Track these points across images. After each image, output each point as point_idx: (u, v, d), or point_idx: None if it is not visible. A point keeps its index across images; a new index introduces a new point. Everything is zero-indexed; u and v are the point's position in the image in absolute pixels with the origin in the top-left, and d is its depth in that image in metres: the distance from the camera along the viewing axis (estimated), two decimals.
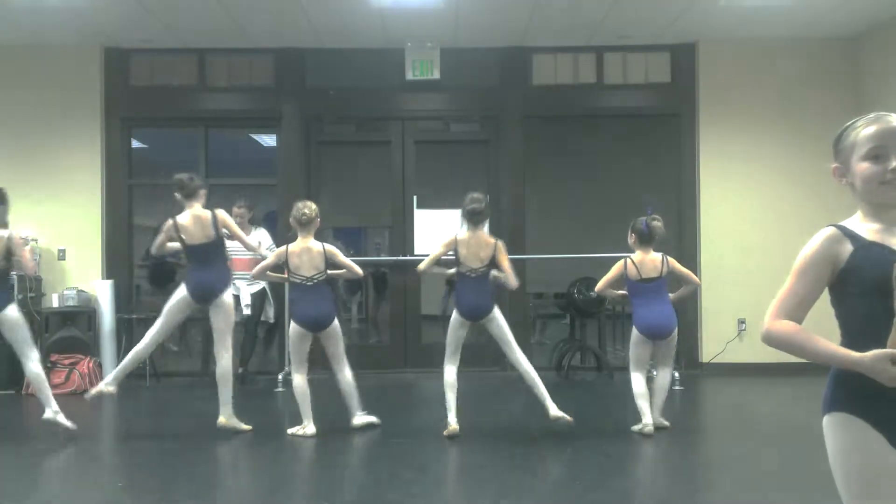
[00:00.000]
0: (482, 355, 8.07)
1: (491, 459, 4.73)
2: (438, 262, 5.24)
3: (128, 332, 7.71)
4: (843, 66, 7.77)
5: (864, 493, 1.75)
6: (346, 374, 5.28)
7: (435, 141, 8.28)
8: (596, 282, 7.52)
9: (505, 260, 5.12)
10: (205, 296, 5.26)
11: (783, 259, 1.90)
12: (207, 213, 5.28)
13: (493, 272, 5.16)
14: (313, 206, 5.25)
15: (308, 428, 5.17)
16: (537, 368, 7.65)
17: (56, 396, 5.54)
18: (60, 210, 7.59)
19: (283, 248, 5.22)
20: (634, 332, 5.26)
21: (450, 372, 5.15)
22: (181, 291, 5.30)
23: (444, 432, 5.02)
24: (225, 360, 5.31)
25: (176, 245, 5.44)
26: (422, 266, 5.22)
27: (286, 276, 5.23)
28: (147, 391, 7.19)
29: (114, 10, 6.80)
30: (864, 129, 1.80)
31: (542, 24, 7.22)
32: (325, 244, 5.24)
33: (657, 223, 5.18)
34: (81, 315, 7.41)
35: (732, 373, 7.52)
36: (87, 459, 4.95)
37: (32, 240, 7.40)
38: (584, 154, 8.23)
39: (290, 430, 5.24)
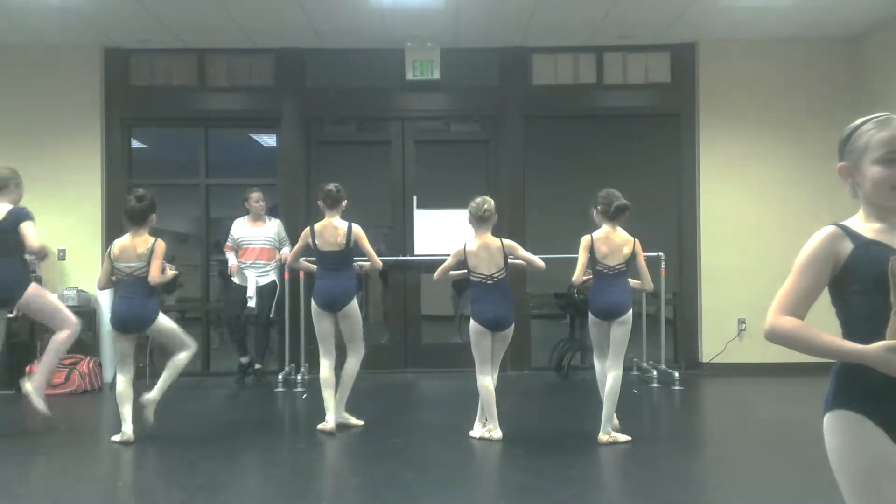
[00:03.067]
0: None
1: (491, 460, 4.74)
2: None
3: None
4: (843, 66, 7.77)
5: (866, 489, 1.75)
6: (493, 379, 5.14)
7: (435, 141, 8.28)
8: None
9: (642, 260, 5.08)
10: (333, 303, 5.31)
11: (783, 259, 1.90)
12: (343, 224, 5.37)
13: (633, 282, 5.13)
14: (492, 201, 5.13)
15: (494, 432, 4.99)
16: (537, 368, 7.78)
17: (55, 396, 5.57)
18: (60, 210, 7.59)
19: (462, 246, 5.13)
20: None
21: (608, 376, 4.96)
22: (312, 306, 5.37)
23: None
24: (354, 361, 5.40)
25: (311, 267, 5.63)
26: (577, 277, 5.04)
27: (467, 272, 5.13)
28: (147, 391, 7.16)
29: (114, 10, 6.80)
30: (879, 133, 1.80)
31: (542, 24, 7.22)
32: (503, 239, 5.13)
33: None
34: (81, 315, 7.35)
35: (732, 373, 7.52)
36: (87, 459, 4.95)
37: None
38: (584, 154, 8.24)
39: (473, 433, 5.10)
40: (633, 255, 5.03)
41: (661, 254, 7.29)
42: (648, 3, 6.80)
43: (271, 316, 7.42)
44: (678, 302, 8.00)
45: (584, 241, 5.04)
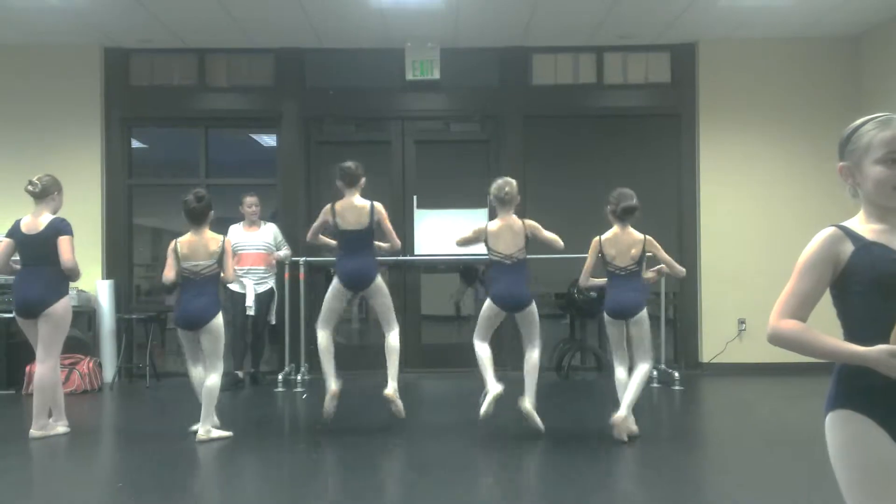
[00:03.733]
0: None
1: (491, 460, 4.74)
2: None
3: (128, 332, 7.72)
4: (843, 66, 7.77)
5: (866, 489, 1.75)
6: (535, 356, 5.19)
7: (435, 141, 8.28)
8: None
9: (662, 252, 5.10)
10: (357, 283, 5.32)
11: (783, 259, 1.90)
12: (366, 202, 5.34)
13: (650, 272, 5.16)
14: (514, 182, 5.13)
15: (494, 390, 4.99)
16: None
17: None
18: (60, 210, 7.57)
19: (484, 224, 5.15)
20: None
21: (637, 367, 4.99)
22: (334, 281, 5.35)
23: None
24: (393, 336, 5.49)
25: (331, 242, 5.52)
26: (583, 280, 5.09)
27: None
28: (147, 391, 7.18)
29: (114, 10, 6.80)
30: (880, 133, 1.80)
31: (542, 24, 7.22)
32: (525, 220, 5.13)
33: None
34: (81, 315, 7.40)
35: (732, 373, 7.52)
36: (87, 459, 4.95)
37: None
38: (584, 154, 8.23)
39: (483, 410, 5.03)
40: (645, 254, 5.04)
41: None
42: (648, 3, 6.81)
43: (273, 322, 7.40)
44: (678, 302, 8.00)
45: (593, 242, 5.08)
